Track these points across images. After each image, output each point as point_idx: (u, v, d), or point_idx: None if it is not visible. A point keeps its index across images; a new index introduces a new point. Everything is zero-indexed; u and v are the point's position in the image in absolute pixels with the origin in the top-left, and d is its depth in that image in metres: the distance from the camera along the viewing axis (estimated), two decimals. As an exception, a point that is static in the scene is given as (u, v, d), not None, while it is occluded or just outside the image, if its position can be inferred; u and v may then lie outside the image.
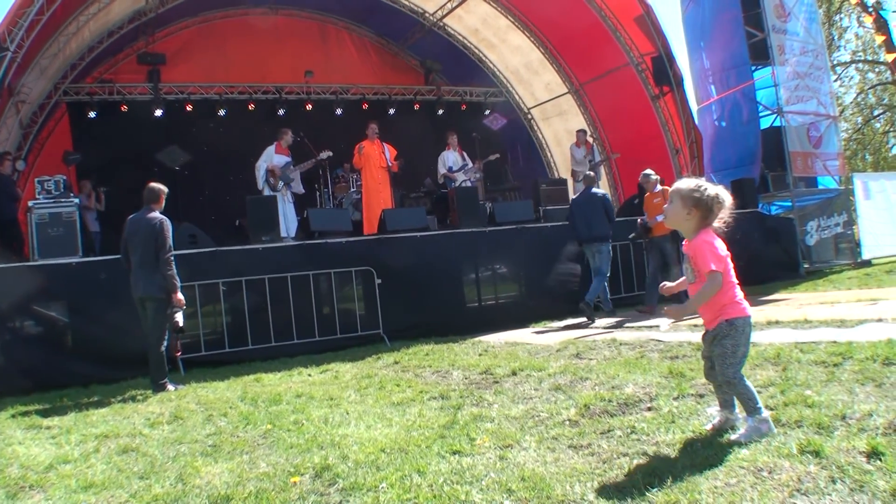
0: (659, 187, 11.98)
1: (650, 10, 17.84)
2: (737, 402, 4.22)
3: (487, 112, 21.97)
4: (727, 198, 4.17)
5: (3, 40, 12.33)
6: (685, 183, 4.23)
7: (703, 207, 4.12)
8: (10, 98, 14.71)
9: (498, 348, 9.11)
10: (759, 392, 4.96)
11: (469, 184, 16.21)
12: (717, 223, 4.17)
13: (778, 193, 16.44)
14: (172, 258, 8.58)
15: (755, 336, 7.53)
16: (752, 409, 4.03)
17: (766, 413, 4.06)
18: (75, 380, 9.17)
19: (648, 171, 12.30)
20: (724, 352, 4.10)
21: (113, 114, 17.52)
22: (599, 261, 11.77)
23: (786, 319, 8.51)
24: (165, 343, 8.58)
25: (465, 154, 16.94)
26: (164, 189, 9.10)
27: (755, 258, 14.79)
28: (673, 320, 4.01)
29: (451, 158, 16.77)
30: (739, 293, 4.18)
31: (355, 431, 5.21)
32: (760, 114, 16.46)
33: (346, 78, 20.72)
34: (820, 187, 17.34)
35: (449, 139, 16.94)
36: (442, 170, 16.74)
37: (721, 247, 4.12)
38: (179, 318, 8.42)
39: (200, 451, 5.14)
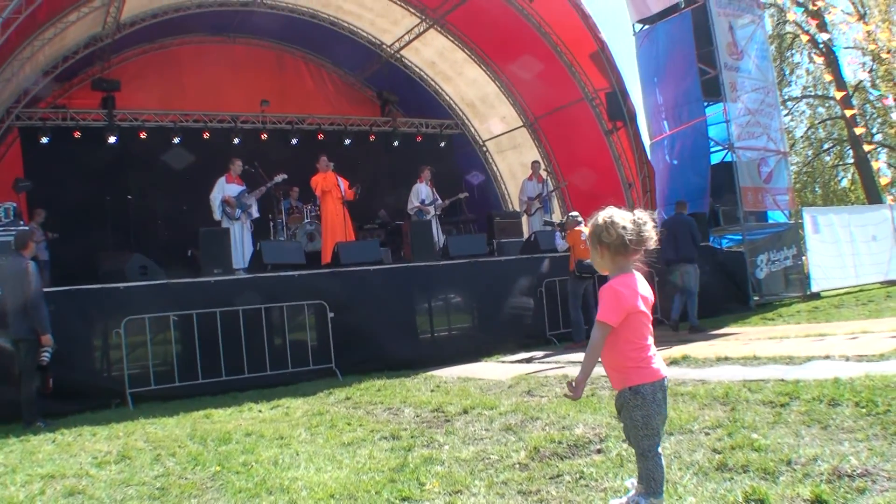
0: (579, 228, 12.04)
1: (605, 47, 18.11)
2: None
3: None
4: (637, 226, 3.63)
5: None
6: (593, 220, 3.75)
7: (609, 243, 3.64)
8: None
9: (450, 384, 9.07)
10: (706, 434, 5.04)
11: (429, 217, 16.29)
12: (637, 256, 3.69)
13: (729, 227, 16.68)
14: (42, 301, 8.94)
15: (705, 373, 7.64)
16: (652, 490, 3.60)
17: (663, 499, 3.63)
18: (21, 414, 8.95)
19: (574, 212, 12.77)
20: (636, 424, 3.62)
21: (66, 140, 17.27)
22: (687, 281, 12.63)
23: (735, 356, 8.60)
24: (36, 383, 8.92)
25: (434, 189, 16.98)
26: (32, 234, 9.85)
27: (706, 291, 14.93)
28: (574, 396, 3.62)
29: (424, 191, 16.82)
30: (648, 353, 3.66)
31: (305, 474, 5.14)
32: (712, 149, 16.71)
33: (302, 108, 20.68)
34: (770, 221, 17.60)
35: (422, 173, 17.01)
36: (415, 202, 16.74)
37: (630, 296, 3.62)
38: (45, 357, 8.78)
39: (148, 495, 5.04)
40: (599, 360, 3.68)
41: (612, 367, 3.72)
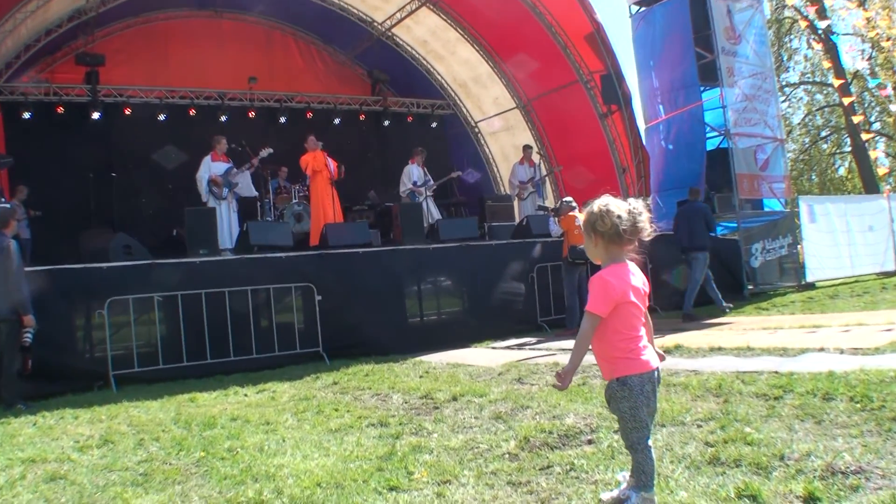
0: (573, 213, 12.05)
1: (600, 29, 17.91)
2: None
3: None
4: (632, 216, 3.62)
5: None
6: (588, 208, 3.73)
7: (603, 232, 3.62)
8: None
9: (439, 370, 8.97)
10: (699, 426, 4.94)
11: (421, 199, 16.17)
12: (631, 246, 3.68)
13: (724, 215, 16.55)
14: (23, 280, 8.83)
15: (698, 363, 7.54)
16: (643, 483, 3.58)
17: (654, 493, 3.59)
18: (2, 395, 8.79)
19: (568, 197, 12.88)
20: (623, 416, 3.62)
21: (48, 115, 16.98)
22: (694, 267, 12.79)
23: (728, 346, 8.53)
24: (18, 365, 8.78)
25: (426, 170, 16.82)
26: (14, 212, 9.61)
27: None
28: (561, 387, 3.59)
29: (416, 173, 16.67)
30: (638, 344, 3.63)
31: (291, 461, 5.04)
32: (708, 135, 16.57)
33: (290, 86, 20.40)
34: (766, 209, 17.52)
35: (415, 154, 16.83)
36: (407, 184, 16.58)
37: (620, 286, 3.60)
38: (28, 338, 8.68)
39: (131, 481, 4.94)
40: (590, 348, 3.65)
41: (601, 358, 3.72)
